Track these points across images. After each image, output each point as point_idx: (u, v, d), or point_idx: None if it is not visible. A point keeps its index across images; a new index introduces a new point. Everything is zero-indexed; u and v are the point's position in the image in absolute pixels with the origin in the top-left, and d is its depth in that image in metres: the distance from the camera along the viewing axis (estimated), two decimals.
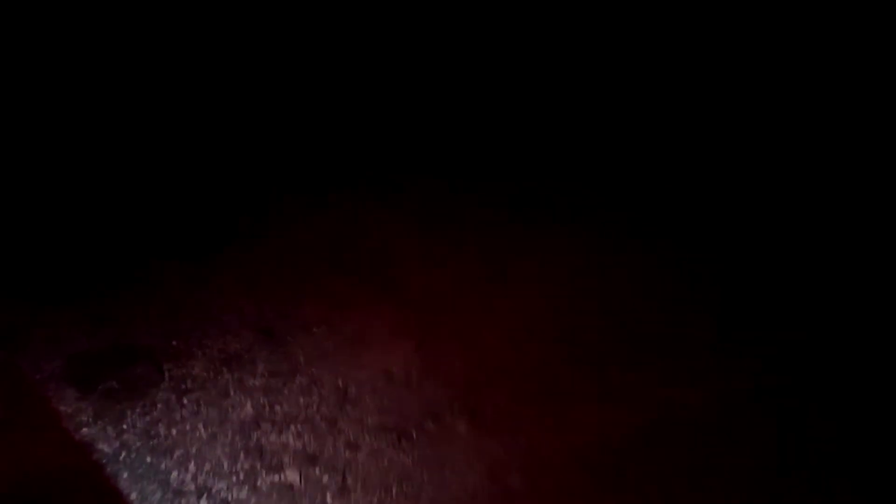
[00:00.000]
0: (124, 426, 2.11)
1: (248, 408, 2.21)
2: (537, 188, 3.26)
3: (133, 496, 1.91)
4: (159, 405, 2.19)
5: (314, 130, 3.57)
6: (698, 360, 2.42)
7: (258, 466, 2.02)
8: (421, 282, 2.69)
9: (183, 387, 2.26)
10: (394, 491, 1.96)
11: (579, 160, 3.48)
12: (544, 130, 3.66)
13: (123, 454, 2.02)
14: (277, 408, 2.21)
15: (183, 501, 1.92)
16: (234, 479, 1.98)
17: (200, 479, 1.98)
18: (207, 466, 2.02)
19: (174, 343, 2.40)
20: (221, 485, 1.97)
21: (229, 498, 1.93)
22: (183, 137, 3.41)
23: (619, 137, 3.59)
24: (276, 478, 1.99)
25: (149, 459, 2.02)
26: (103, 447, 2.03)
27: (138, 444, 2.06)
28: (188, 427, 2.13)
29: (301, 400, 2.24)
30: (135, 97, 3.49)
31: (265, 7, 3.73)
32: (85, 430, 2.08)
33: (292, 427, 2.15)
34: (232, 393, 2.25)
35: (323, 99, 3.74)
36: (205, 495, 1.94)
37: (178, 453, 2.05)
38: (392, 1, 3.84)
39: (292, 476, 2.00)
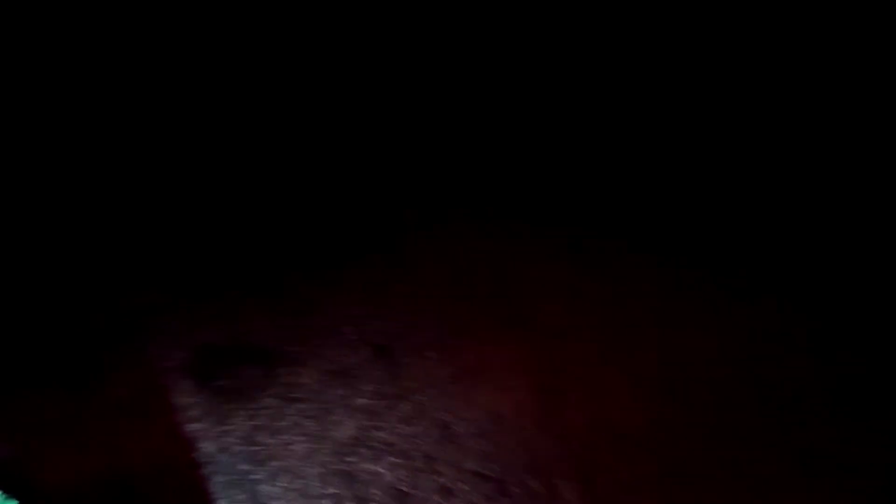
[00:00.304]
0: (229, 427, 2.11)
1: (349, 429, 2.12)
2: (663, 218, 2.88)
3: (220, 502, 1.89)
4: (265, 411, 2.17)
5: (444, 151, 3.47)
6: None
7: (346, 494, 1.92)
8: (547, 317, 2.46)
9: (290, 395, 2.22)
10: None
11: (712, 193, 3.03)
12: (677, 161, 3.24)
13: (222, 456, 2.02)
14: (377, 434, 2.10)
15: None
16: (320, 503, 1.90)
17: (288, 497, 1.92)
18: (297, 485, 1.95)
19: (289, 349, 2.38)
20: None
21: None
22: (319, 150, 3.46)
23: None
24: None
25: (244, 466, 1.99)
26: (206, 445, 2.04)
27: (238, 448, 2.05)
28: (287, 439, 2.08)
29: (402, 429, 2.11)
30: (274, 113, 3.59)
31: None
32: (193, 424, 2.11)
33: (388, 458, 2.02)
34: (336, 410, 2.18)
35: (450, 121, 3.63)
36: None
37: (272, 465, 2.00)
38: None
39: None
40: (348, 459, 2.01)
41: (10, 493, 1.10)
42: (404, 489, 1.92)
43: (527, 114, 3.54)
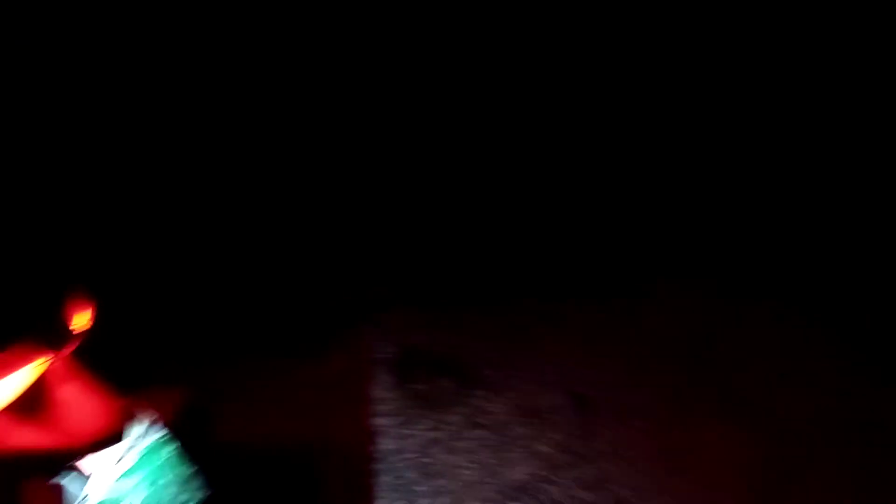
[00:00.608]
0: (410, 432, 2.11)
1: (522, 473, 1.97)
2: None
3: (380, 501, 1.89)
4: (447, 427, 2.13)
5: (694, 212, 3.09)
6: None
7: None
8: (786, 410, 2.01)
9: (475, 419, 2.15)
10: None
11: None
12: None
13: (395, 458, 2.02)
14: (548, 488, 1.91)
15: None
16: None
17: None
18: None
19: (488, 373, 2.32)
20: None
21: None
22: (574, 185, 3.33)
23: None
24: None
25: (411, 475, 1.97)
26: (384, 442, 2.07)
27: (411, 455, 2.03)
28: (459, 461, 2.01)
29: (577, 493, 1.89)
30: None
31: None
32: (380, 419, 2.16)
33: None
34: (515, 448, 2.05)
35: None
36: None
37: (437, 483, 1.95)
38: None
39: None
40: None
41: (187, 443, 1.22)
42: None
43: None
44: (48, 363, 1.04)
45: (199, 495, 1.25)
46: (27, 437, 1.02)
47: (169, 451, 1.22)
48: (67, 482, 1.08)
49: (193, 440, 1.33)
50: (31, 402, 1.04)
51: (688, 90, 3.47)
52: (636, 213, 3.15)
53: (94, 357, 1.19)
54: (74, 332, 1.10)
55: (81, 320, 1.14)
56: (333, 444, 2.04)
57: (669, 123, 3.43)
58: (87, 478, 1.10)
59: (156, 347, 2.26)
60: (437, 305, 2.67)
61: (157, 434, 1.21)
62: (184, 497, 1.22)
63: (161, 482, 1.19)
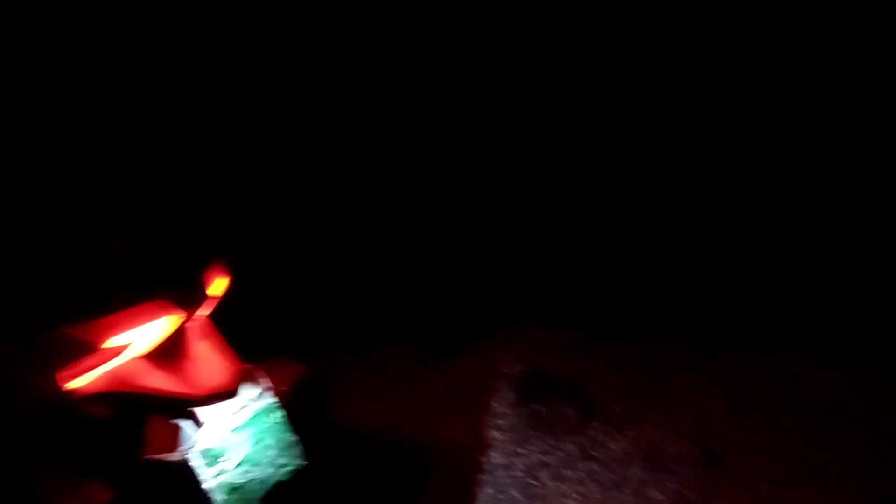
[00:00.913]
0: (522, 451, 2.10)
1: None
2: None
3: None
4: (559, 454, 2.08)
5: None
6: None
7: None
8: None
9: (590, 451, 2.08)
10: None
11: None
12: None
13: (501, 473, 2.02)
14: None
15: None
16: None
17: None
18: None
19: (614, 408, 2.23)
20: None
21: None
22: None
23: None
24: None
25: (514, 493, 1.96)
26: (494, 455, 2.08)
27: (519, 474, 2.02)
28: (566, 490, 1.95)
29: None
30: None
31: None
32: (495, 432, 2.17)
33: None
34: (627, 490, 1.94)
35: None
36: None
37: None
38: None
39: None
40: None
41: (296, 414, 1.33)
42: None
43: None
44: (183, 320, 1.20)
45: (296, 463, 1.36)
46: (158, 381, 1.20)
47: (276, 417, 1.35)
48: (185, 425, 1.24)
49: (303, 413, 1.45)
50: (166, 352, 1.22)
51: None
52: (820, 262, 2.84)
53: (226, 323, 1.35)
54: (209, 297, 1.26)
55: (217, 288, 1.31)
56: (443, 447, 2.09)
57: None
58: (201, 425, 1.25)
59: (291, 325, 2.49)
60: (574, 331, 2.62)
61: (269, 400, 1.35)
62: (282, 461, 1.34)
63: (264, 443, 1.31)
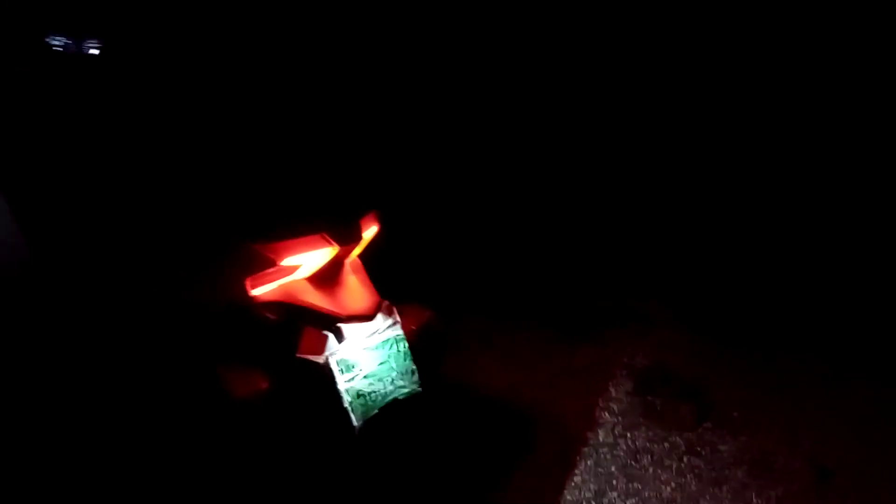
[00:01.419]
0: (629, 434, 2.21)
1: None
2: None
3: (582, 489, 2.04)
4: (665, 444, 2.16)
5: None
6: None
7: None
8: None
9: (697, 448, 2.13)
10: None
11: None
12: None
13: (606, 451, 2.15)
14: None
15: None
16: None
17: None
18: None
19: (736, 415, 2.24)
20: None
21: None
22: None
23: None
24: None
25: (613, 469, 2.08)
26: (602, 434, 2.21)
27: (622, 454, 2.13)
28: (664, 477, 2.04)
29: None
30: None
31: None
32: (606, 414, 2.30)
33: None
34: (729, 491, 1.98)
35: None
36: None
37: (633, 485, 2.02)
38: None
39: None
40: None
41: (418, 350, 1.59)
42: None
43: None
44: (336, 253, 1.53)
45: (413, 388, 1.64)
46: (315, 299, 1.53)
47: (401, 346, 1.63)
48: (331, 336, 1.56)
49: (426, 351, 1.73)
50: (324, 277, 1.55)
51: None
52: None
53: (382, 264, 1.67)
54: (361, 238, 1.58)
55: (369, 232, 1.62)
56: (553, 417, 2.26)
57: None
58: (343, 339, 1.57)
59: (442, 286, 2.78)
60: (706, 336, 2.64)
61: (397, 331, 1.63)
62: (401, 383, 1.62)
63: (388, 364, 1.60)
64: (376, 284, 1.65)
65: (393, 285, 1.78)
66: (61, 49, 1.85)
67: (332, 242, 1.50)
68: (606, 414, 2.30)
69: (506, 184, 3.51)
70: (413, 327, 1.71)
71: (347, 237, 1.52)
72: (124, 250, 1.78)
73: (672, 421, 2.26)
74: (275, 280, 1.52)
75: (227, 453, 1.68)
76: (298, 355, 1.51)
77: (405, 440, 1.70)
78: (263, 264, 1.50)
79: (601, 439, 2.19)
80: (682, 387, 2.40)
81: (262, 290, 1.53)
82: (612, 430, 2.23)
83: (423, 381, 1.65)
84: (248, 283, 1.51)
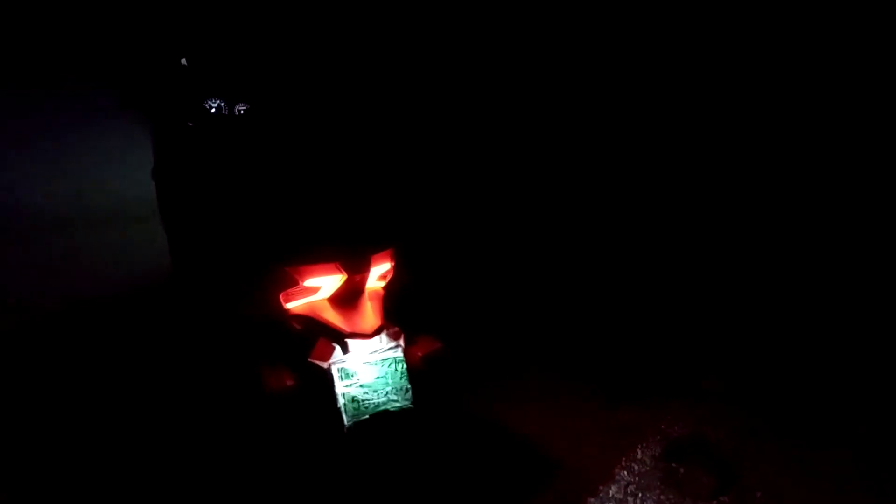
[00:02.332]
0: (641, 494, 2.25)
1: None
2: None
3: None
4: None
5: None
6: None
7: None
8: None
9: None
10: None
11: None
12: None
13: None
14: None
15: None
16: None
17: None
18: None
19: (760, 496, 2.20)
20: None
21: None
22: None
23: None
24: None
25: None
26: (613, 490, 2.28)
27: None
28: None
29: None
30: None
31: None
32: (624, 472, 2.35)
33: None
34: None
35: None
36: None
37: None
38: None
39: None
40: None
41: (415, 376, 1.86)
42: None
43: None
44: (346, 279, 1.88)
45: (403, 403, 1.91)
46: (330, 316, 1.88)
47: (399, 367, 1.92)
48: (339, 348, 1.90)
49: (429, 376, 2.00)
50: (340, 299, 1.91)
51: None
52: None
53: (391, 292, 1.99)
54: (368, 271, 1.92)
55: (381, 268, 1.96)
56: (571, 465, 2.37)
57: None
58: (347, 352, 1.90)
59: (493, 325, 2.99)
60: (755, 418, 2.58)
61: (397, 353, 1.93)
62: (393, 397, 1.90)
63: (384, 380, 1.90)
64: (410, 317, 1.98)
65: (438, 322, 2.09)
66: (215, 110, 2.42)
67: (343, 271, 1.86)
68: (625, 473, 2.36)
69: (569, 235, 3.66)
70: (420, 354, 1.99)
71: (356, 269, 1.88)
72: (225, 266, 2.26)
73: (689, 489, 2.26)
74: (301, 298, 1.90)
75: (258, 434, 2.07)
76: (309, 360, 1.86)
77: (404, 457, 1.96)
78: (293, 284, 1.90)
79: (611, 494, 2.26)
80: (712, 460, 2.37)
81: (292, 305, 1.92)
82: (626, 487, 2.29)
83: (416, 400, 1.92)
84: (281, 297, 1.91)
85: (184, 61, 2.48)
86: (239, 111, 2.46)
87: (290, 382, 1.91)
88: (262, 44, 2.72)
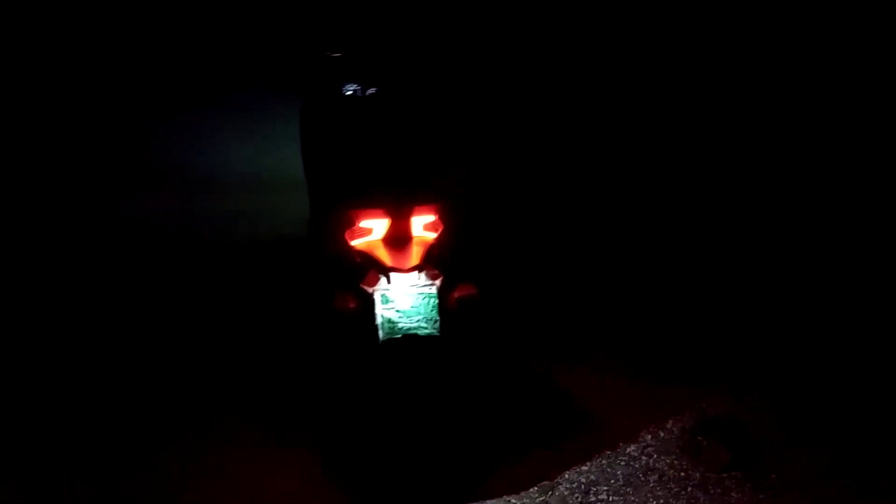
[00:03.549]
0: (655, 456, 2.38)
1: None
2: None
3: (582, 475, 2.33)
4: (681, 474, 2.29)
5: None
6: None
7: None
8: None
9: (707, 489, 2.21)
10: None
11: None
12: None
13: (622, 459, 2.39)
14: None
15: None
16: None
17: None
18: None
19: (775, 477, 2.24)
20: None
21: None
22: None
23: None
24: None
25: (618, 472, 2.32)
26: (630, 448, 2.43)
27: (634, 465, 2.35)
28: (643, 499, 2.20)
29: None
30: None
31: None
32: (648, 436, 2.48)
33: None
34: None
35: None
36: None
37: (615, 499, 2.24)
38: None
39: None
40: None
41: (446, 311, 2.22)
42: None
43: None
44: (391, 224, 2.32)
45: (430, 331, 2.27)
46: (380, 253, 2.32)
47: (432, 301, 2.29)
48: (383, 278, 2.32)
49: (461, 314, 2.36)
50: (389, 240, 2.35)
51: None
52: None
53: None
54: (410, 218, 2.34)
55: (424, 218, 2.37)
56: (598, 421, 2.57)
57: None
58: (390, 283, 2.32)
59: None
60: (808, 416, 2.55)
61: (432, 290, 2.31)
62: (423, 325, 2.27)
63: (416, 309, 2.27)
64: (459, 268, 2.38)
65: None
66: (351, 93, 2.99)
67: (388, 216, 2.32)
68: (649, 437, 2.49)
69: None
70: (455, 296, 2.37)
71: (398, 215, 2.33)
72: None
73: (703, 458, 2.35)
74: (360, 237, 2.38)
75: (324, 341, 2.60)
76: (360, 285, 2.32)
77: (429, 378, 2.32)
78: (353, 225, 2.39)
79: (628, 451, 2.42)
80: (739, 441, 2.42)
81: (355, 242, 2.40)
82: (644, 448, 2.43)
83: (443, 330, 2.28)
84: (347, 236, 2.40)
85: (334, 55, 3.06)
86: (369, 94, 3.00)
87: (352, 305, 2.37)
88: (390, 44, 3.23)
